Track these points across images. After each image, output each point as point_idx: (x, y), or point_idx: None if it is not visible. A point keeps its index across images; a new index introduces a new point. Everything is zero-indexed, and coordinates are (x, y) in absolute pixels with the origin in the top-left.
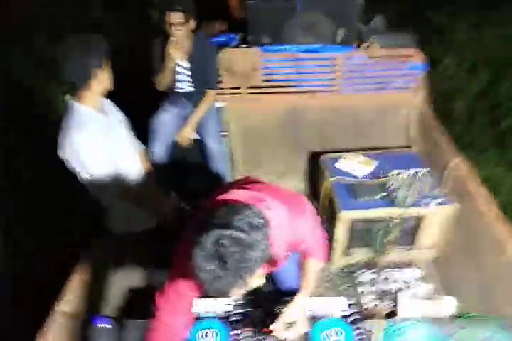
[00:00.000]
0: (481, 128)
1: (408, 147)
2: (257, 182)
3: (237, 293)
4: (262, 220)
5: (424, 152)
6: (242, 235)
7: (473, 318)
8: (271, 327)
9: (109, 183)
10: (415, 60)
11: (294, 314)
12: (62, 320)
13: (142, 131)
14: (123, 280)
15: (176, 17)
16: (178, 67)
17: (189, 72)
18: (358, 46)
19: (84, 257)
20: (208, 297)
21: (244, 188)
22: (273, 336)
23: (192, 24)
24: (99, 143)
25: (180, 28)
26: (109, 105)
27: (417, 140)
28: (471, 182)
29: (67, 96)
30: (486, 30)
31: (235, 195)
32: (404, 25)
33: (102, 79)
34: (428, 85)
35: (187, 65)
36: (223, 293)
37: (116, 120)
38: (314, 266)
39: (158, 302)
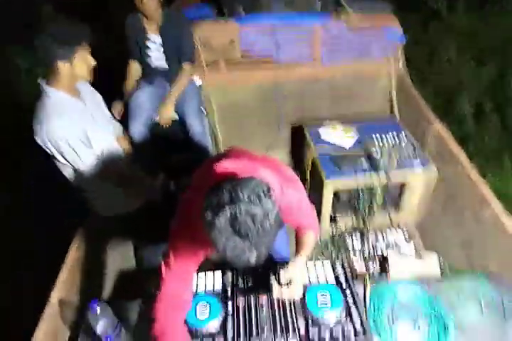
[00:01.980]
0: (490, 131)
1: (389, 115)
2: (244, 152)
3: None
4: (266, 188)
5: (405, 118)
6: (254, 208)
7: (458, 274)
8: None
9: (89, 168)
10: (393, 27)
11: (292, 274)
12: (58, 308)
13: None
14: (116, 261)
15: None
16: (151, 43)
17: (162, 48)
18: (335, 14)
19: (74, 241)
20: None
21: (233, 159)
22: (268, 299)
23: None
24: (76, 128)
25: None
26: (86, 87)
27: (397, 107)
28: (452, 146)
29: (40, 80)
30: (489, 17)
31: (227, 165)
32: None
33: (72, 69)
34: (404, 53)
35: (160, 39)
36: (251, 263)
37: (93, 103)
38: (309, 237)
39: (163, 274)
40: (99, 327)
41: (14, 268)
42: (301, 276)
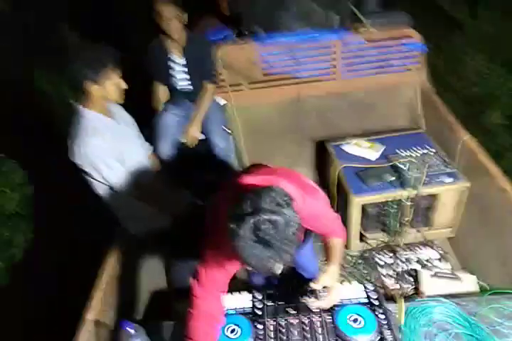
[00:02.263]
0: None
1: (415, 128)
2: (263, 166)
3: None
4: (286, 197)
5: (432, 131)
6: (275, 216)
7: (496, 294)
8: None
9: (123, 186)
10: (412, 39)
11: (325, 282)
12: (92, 328)
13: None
14: (147, 281)
15: (169, 10)
16: (175, 64)
17: (186, 69)
18: (353, 29)
19: (105, 260)
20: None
21: (254, 174)
22: (298, 320)
23: (184, 17)
24: (111, 147)
25: (174, 22)
26: (117, 108)
27: (423, 119)
28: (482, 158)
29: (72, 101)
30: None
31: (248, 180)
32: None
33: (103, 92)
34: (427, 63)
35: (183, 61)
36: (274, 271)
37: (125, 123)
38: (336, 242)
39: (195, 291)
40: None
41: (45, 286)
42: (334, 283)
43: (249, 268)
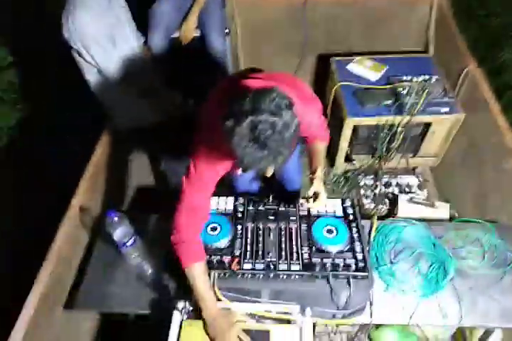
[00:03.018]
0: None
1: (422, 51)
2: (262, 71)
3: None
4: (287, 100)
5: (439, 57)
6: (275, 118)
7: (464, 222)
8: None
9: (113, 70)
10: None
11: (318, 187)
12: (77, 214)
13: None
14: (135, 176)
15: None
16: None
17: None
18: None
19: (95, 151)
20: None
21: (255, 77)
22: (276, 225)
23: None
24: (103, 24)
25: None
26: None
27: (433, 43)
28: (484, 90)
29: None
30: None
31: (250, 82)
32: None
33: None
34: None
35: None
36: (265, 172)
37: (118, 5)
38: (322, 146)
39: (184, 187)
40: (116, 235)
41: (36, 178)
42: (323, 188)
43: (239, 171)
